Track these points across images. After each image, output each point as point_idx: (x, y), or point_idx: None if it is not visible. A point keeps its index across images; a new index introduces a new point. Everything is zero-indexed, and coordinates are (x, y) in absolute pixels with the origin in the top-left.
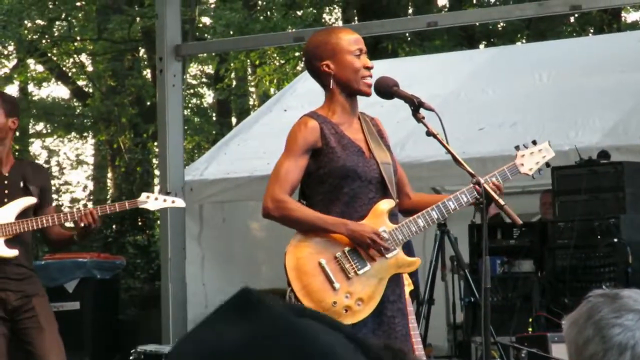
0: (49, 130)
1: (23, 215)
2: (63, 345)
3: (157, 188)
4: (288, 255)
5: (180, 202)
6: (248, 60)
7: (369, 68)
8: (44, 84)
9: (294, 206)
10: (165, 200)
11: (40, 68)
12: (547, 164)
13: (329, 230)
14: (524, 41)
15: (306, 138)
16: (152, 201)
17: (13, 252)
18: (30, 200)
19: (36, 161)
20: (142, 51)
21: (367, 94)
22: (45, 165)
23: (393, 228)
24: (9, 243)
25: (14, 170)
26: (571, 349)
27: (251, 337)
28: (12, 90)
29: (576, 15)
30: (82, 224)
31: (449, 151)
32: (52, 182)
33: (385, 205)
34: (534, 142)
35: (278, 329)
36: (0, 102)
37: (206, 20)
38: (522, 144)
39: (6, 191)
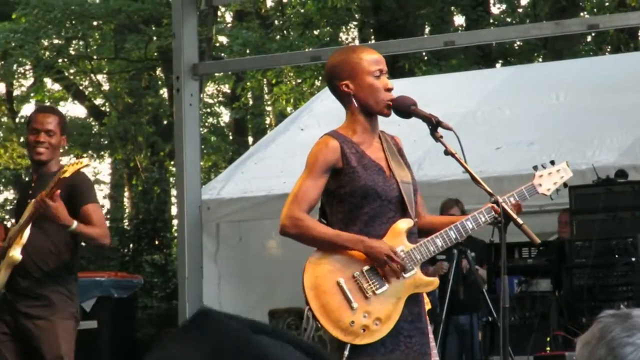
0: (65, 149)
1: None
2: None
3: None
4: (306, 274)
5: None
6: (264, 79)
7: (389, 89)
8: (61, 102)
9: (310, 224)
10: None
11: (57, 87)
12: (565, 184)
13: (346, 247)
14: (540, 60)
15: (326, 158)
16: (69, 169)
17: (16, 257)
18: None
19: None
20: (158, 70)
21: (387, 115)
22: None
23: (411, 248)
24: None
25: (40, 179)
26: None
27: (209, 357)
28: (28, 109)
29: (593, 34)
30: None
31: (467, 170)
32: None
33: (404, 224)
34: (552, 162)
35: (234, 349)
36: (59, 120)
37: (223, 39)
38: (541, 164)
39: (29, 200)
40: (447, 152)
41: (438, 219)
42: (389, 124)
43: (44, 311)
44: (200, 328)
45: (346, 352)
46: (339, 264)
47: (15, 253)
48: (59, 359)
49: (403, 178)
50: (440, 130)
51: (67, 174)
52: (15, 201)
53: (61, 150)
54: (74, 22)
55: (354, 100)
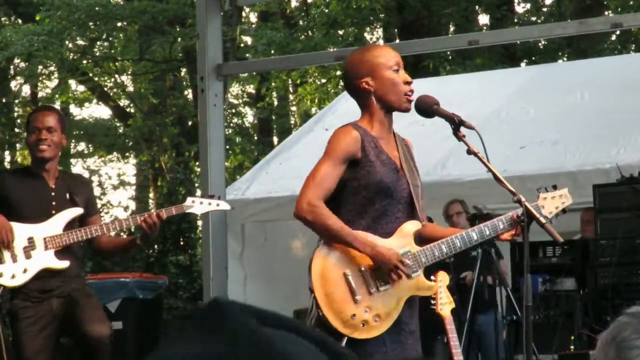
0: (90, 151)
1: (70, 226)
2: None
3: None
4: (315, 261)
5: (224, 205)
6: (289, 80)
7: (408, 83)
8: (86, 104)
9: (326, 213)
10: (210, 204)
11: (81, 88)
12: (564, 211)
13: (355, 247)
14: (565, 59)
15: (347, 147)
16: (197, 205)
17: (64, 264)
18: (77, 211)
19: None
20: (183, 71)
21: (407, 110)
22: None
23: (418, 250)
24: (59, 254)
25: (59, 183)
26: None
27: (215, 353)
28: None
29: (617, 33)
30: (144, 228)
31: (489, 169)
32: None
33: (412, 226)
34: (554, 187)
35: (242, 343)
36: (58, 118)
37: (247, 39)
38: (544, 187)
39: (53, 203)
40: (470, 152)
41: (436, 230)
42: (413, 124)
43: (80, 290)
44: (214, 321)
45: (342, 344)
46: (348, 256)
47: (57, 260)
48: (105, 320)
49: (413, 181)
50: (463, 129)
51: (194, 212)
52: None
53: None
54: (98, 23)
55: (375, 98)
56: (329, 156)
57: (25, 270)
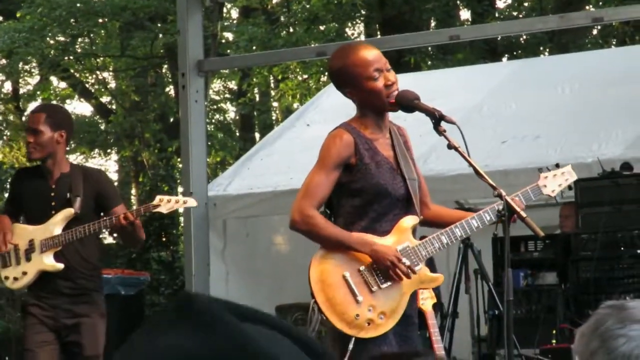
0: (72, 147)
1: (69, 226)
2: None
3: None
4: (312, 267)
5: (191, 202)
6: (271, 75)
7: (391, 85)
8: (67, 100)
9: (321, 222)
10: (177, 202)
11: (63, 85)
12: (570, 187)
13: (353, 248)
14: (546, 54)
15: (340, 153)
16: (164, 203)
17: (59, 266)
18: (69, 212)
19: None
20: (165, 67)
21: (395, 110)
22: None
23: (417, 244)
24: (59, 256)
25: (60, 182)
26: None
27: (191, 350)
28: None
29: (598, 27)
30: (120, 227)
31: (470, 163)
32: None
33: (410, 221)
34: (557, 165)
35: (220, 340)
36: (45, 117)
37: (228, 35)
38: (546, 167)
39: (53, 203)
40: (451, 146)
41: (445, 211)
42: (395, 119)
43: (85, 309)
44: (187, 317)
45: (350, 346)
46: (345, 257)
47: (52, 262)
48: (99, 357)
49: (410, 175)
50: (444, 124)
51: (160, 210)
52: (12, 195)
53: (66, 147)
54: (79, 19)
55: (360, 105)
56: (322, 164)
57: (25, 273)
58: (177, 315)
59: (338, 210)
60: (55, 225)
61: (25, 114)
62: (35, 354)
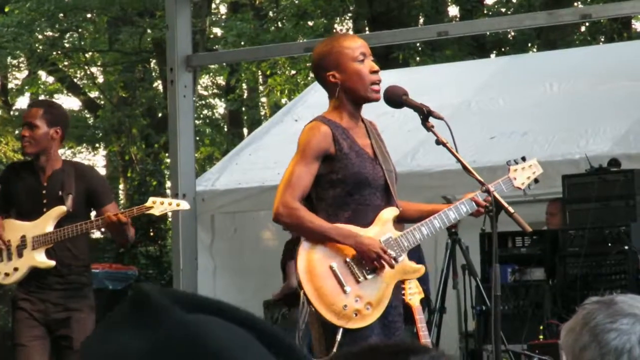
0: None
1: (61, 224)
2: None
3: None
4: (300, 258)
5: (184, 205)
6: (259, 71)
7: (375, 72)
8: (55, 95)
9: (304, 214)
10: (170, 204)
11: (51, 79)
12: (536, 180)
13: (338, 241)
14: (534, 50)
15: (319, 144)
16: (157, 205)
17: (50, 263)
18: (61, 209)
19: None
20: (153, 62)
21: (376, 100)
22: None
23: (399, 235)
24: (50, 253)
25: (54, 178)
26: (569, 356)
27: (138, 346)
28: (23, 102)
29: (586, 24)
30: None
31: (458, 159)
32: None
33: (390, 213)
34: (523, 159)
35: (163, 333)
36: (42, 112)
37: (217, 31)
38: (513, 160)
39: (44, 201)
40: (439, 142)
41: (411, 206)
42: (383, 115)
43: (76, 303)
44: (137, 312)
45: (338, 337)
46: (332, 248)
47: (44, 259)
48: None
49: (386, 166)
50: (432, 120)
51: (153, 212)
52: (3, 189)
53: (61, 144)
54: (67, 14)
55: (342, 90)
56: (301, 155)
57: (16, 269)
58: (128, 312)
59: (320, 204)
60: (47, 222)
61: (15, 108)
62: (26, 348)
